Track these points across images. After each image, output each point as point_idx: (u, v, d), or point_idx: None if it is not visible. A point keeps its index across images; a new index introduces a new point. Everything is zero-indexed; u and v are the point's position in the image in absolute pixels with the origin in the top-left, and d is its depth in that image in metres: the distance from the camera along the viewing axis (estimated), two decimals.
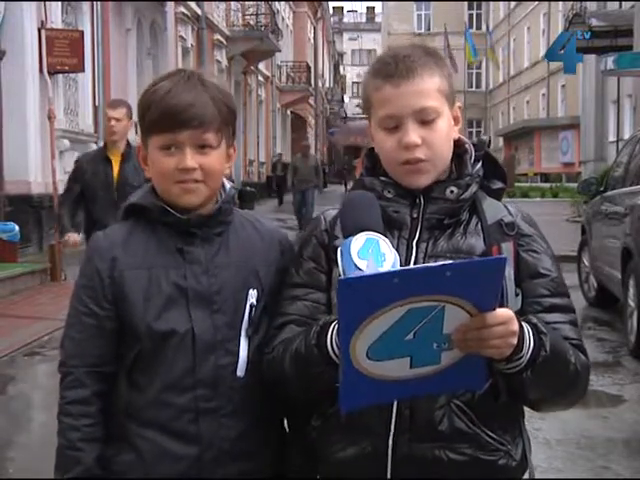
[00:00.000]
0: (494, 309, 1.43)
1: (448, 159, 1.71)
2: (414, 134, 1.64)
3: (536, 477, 1.75)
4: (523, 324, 1.51)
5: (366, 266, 1.46)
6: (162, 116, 1.71)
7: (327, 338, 1.54)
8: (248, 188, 23.54)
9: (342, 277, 1.40)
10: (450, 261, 1.40)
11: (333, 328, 1.53)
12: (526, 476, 1.71)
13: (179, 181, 1.73)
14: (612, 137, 26.39)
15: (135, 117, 1.88)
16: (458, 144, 1.74)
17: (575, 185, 16.26)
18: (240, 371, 1.75)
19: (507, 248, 1.67)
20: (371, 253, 1.48)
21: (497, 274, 1.41)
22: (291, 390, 1.69)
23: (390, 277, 1.35)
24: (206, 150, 1.74)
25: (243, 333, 1.76)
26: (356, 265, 1.47)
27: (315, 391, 1.64)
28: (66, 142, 13.30)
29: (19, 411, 5.73)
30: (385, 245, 1.50)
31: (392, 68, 1.65)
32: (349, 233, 1.54)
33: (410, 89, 1.64)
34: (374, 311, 1.36)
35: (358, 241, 1.50)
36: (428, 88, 1.65)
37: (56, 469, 1.75)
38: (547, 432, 4.88)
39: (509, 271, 1.64)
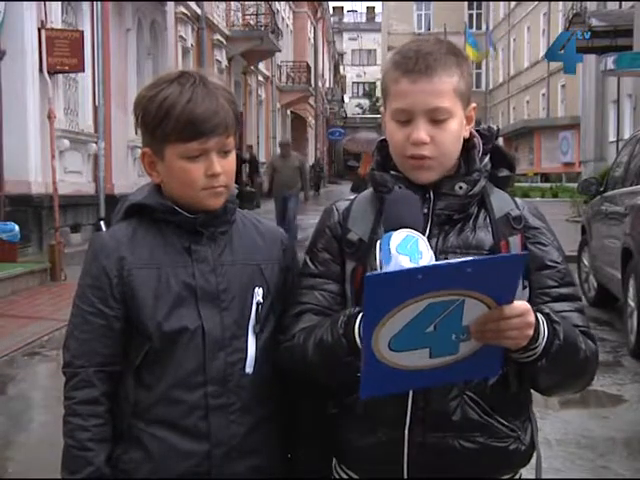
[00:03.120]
0: (511, 302, 1.46)
1: (455, 157, 1.72)
2: (423, 132, 1.65)
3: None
4: (537, 315, 1.54)
5: (402, 261, 1.49)
6: (189, 126, 1.70)
7: (355, 328, 1.56)
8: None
9: (369, 273, 1.43)
10: (472, 257, 1.44)
11: (361, 319, 1.56)
12: (533, 459, 1.79)
13: (207, 187, 1.75)
14: (612, 137, 26.37)
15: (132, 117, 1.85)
16: (467, 139, 1.75)
17: (575, 185, 16.25)
18: (249, 368, 1.77)
19: (514, 242, 1.71)
20: (409, 249, 1.51)
21: (516, 270, 1.45)
22: (312, 376, 1.72)
23: (414, 273, 1.39)
24: (227, 154, 1.77)
25: (250, 330, 1.78)
26: (393, 258, 1.50)
27: (338, 378, 1.67)
28: (66, 142, 13.30)
29: (19, 411, 5.73)
30: (423, 244, 1.53)
31: (412, 63, 1.65)
32: (391, 228, 1.56)
33: (426, 87, 1.64)
34: (397, 305, 1.40)
35: (398, 236, 1.53)
36: (444, 88, 1.65)
37: (64, 470, 1.75)
38: (547, 432, 4.88)
39: None
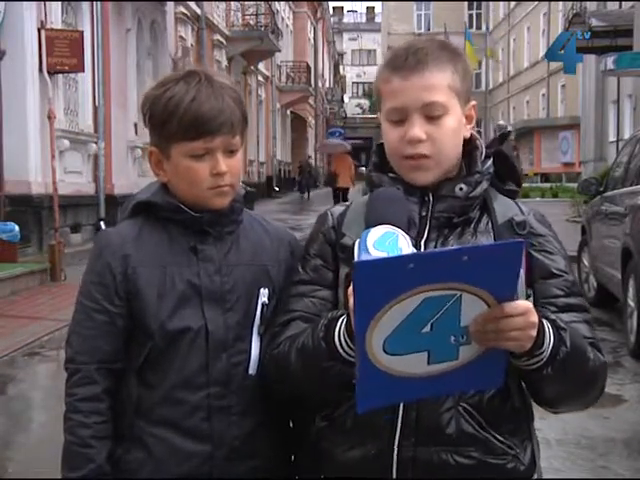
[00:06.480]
0: (512, 300, 1.38)
1: (454, 157, 1.66)
2: (419, 129, 1.60)
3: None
4: (542, 320, 1.45)
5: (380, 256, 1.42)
6: (193, 124, 1.70)
7: (335, 332, 1.51)
8: (248, 188, 23.51)
9: (357, 260, 1.36)
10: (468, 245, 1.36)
11: (341, 322, 1.50)
12: None
13: (213, 187, 1.74)
14: (612, 137, 26.36)
15: (137, 118, 1.84)
16: (469, 141, 1.69)
17: (575, 185, 16.24)
18: (252, 369, 1.76)
19: None
20: (388, 245, 1.45)
21: (515, 260, 1.35)
22: (296, 386, 1.66)
23: (406, 261, 1.31)
24: (233, 154, 1.76)
25: (255, 331, 1.77)
26: (370, 254, 1.44)
27: (321, 387, 1.61)
28: (66, 142, 13.30)
29: (19, 411, 5.73)
30: (404, 241, 1.47)
31: (402, 60, 1.61)
32: (371, 225, 1.51)
33: (418, 83, 1.59)
34: (390, 299, 1.32)
35: (376, 232, 1.48)
36: (437, 83, 1.60)
37: (64, 466, 1.74)
38: (547, 432, 4.88)
39: (520, 271, 1.58)
